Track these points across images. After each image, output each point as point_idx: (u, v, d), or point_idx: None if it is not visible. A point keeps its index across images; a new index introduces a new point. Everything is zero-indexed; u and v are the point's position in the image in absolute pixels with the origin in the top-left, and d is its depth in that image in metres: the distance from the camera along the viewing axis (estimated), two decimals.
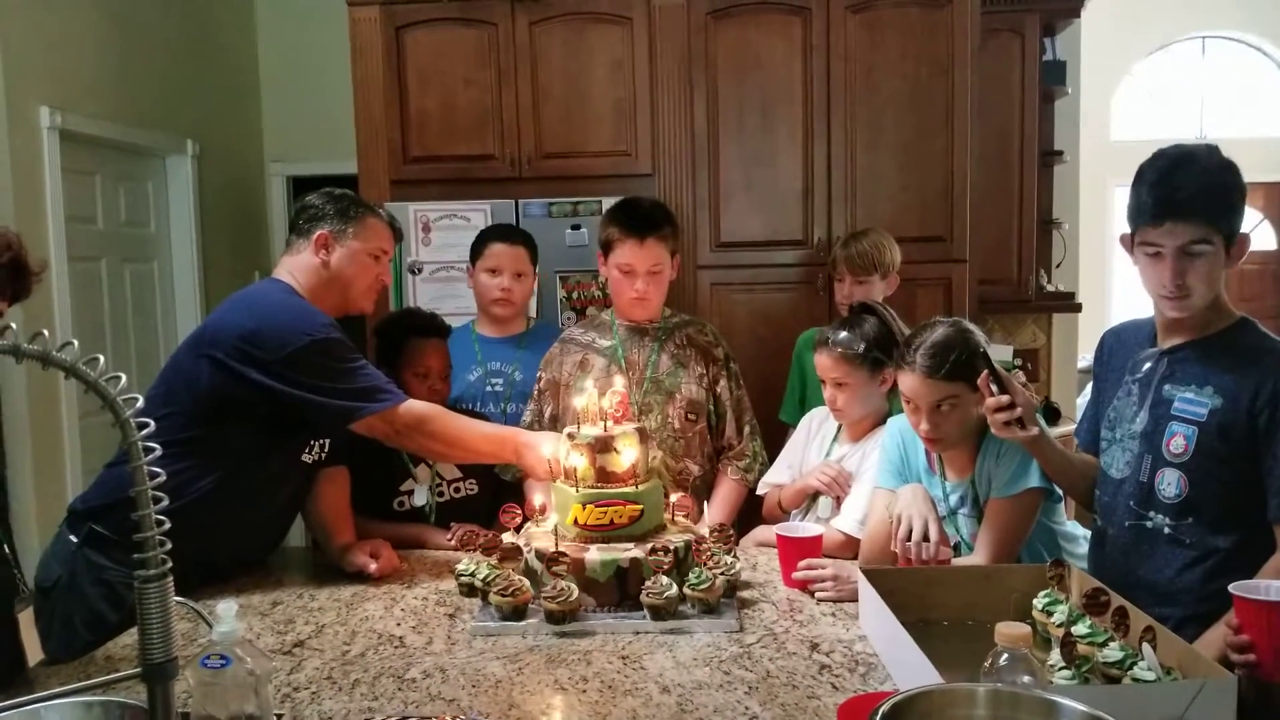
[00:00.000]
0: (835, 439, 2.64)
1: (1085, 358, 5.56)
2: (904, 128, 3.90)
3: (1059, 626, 1.76)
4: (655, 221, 2.70)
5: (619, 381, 2.38)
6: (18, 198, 3.87)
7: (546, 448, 2.23)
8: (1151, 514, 1.90)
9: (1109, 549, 2.01)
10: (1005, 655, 1.39)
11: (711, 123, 3.93)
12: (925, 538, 2.10)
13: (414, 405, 2.32)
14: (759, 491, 2.76)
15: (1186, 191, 1.80)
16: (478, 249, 3.13)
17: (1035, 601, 1.88)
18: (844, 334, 2.49)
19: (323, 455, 2.41)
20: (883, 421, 2.52)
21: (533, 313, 3.43)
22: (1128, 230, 1.91)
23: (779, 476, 2.71)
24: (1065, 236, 5.12)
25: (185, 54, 5.11)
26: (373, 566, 2.31)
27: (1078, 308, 5.09)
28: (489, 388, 3.06)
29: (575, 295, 3.86)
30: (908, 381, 2.17)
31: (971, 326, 2.24)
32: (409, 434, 2.31)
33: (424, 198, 3.94)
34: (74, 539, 2.20)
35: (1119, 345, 2.09)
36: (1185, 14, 8.02)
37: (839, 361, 2.48)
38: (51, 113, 4.05)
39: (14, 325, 1.13)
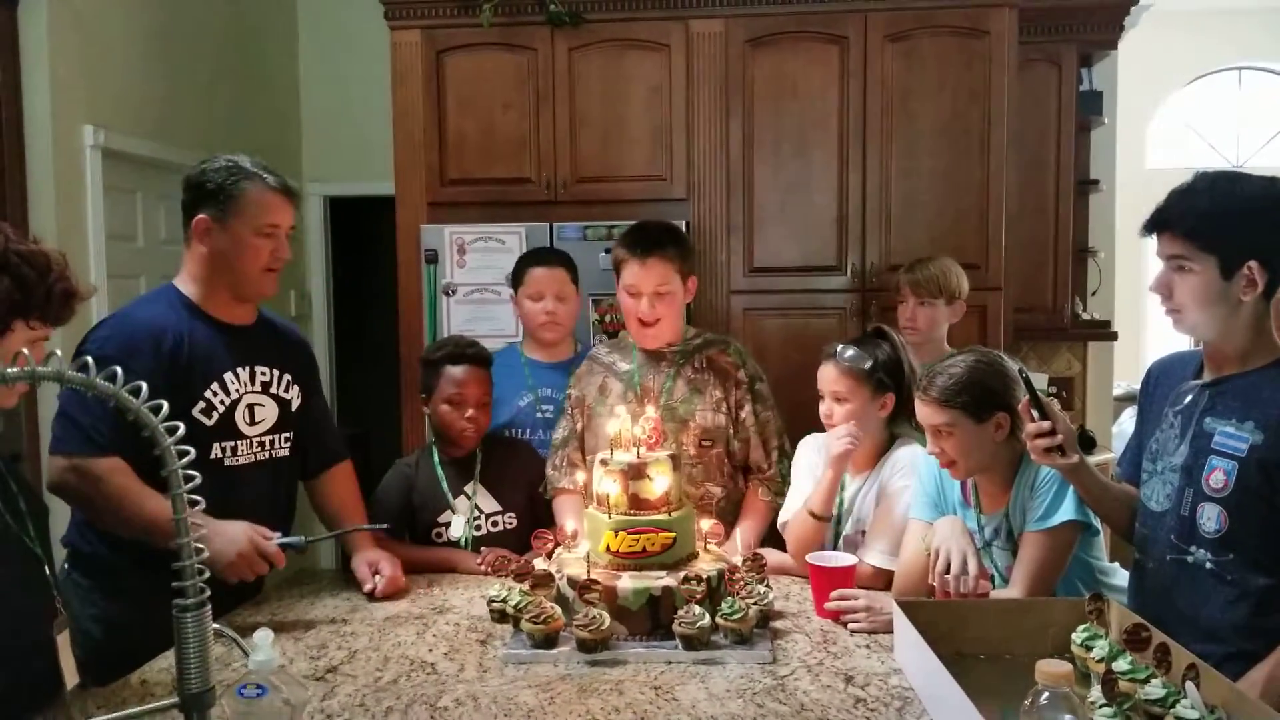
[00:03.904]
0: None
1: (1120, 385, 5.50)
2: (940, 156, 3.89)
3: (1099, 662, 1.73)
4: (659, 240, 2.63)
5: (651, 409, 2.35)
6: (60, 215, 3.92)
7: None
8: (1192, 549, 1.86)
9: (1149, 583, 1.97)
10: (1046, 694, 1.37)
11: (747, 148, 3.94)
12: (964, 570, 2.08)
13: (104, 462, 2.06)
14: (779, 526, 2.64)
15: (1178, 209, 1.82)
16: (519, 275, 3.11)
17: (1074, 636, 1.85)
18: (852, 350, 2.47)
19: (275, 451, 2.30)
20: (884, 453, 2.51)
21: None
22: None
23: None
24: (1101, 265, 5.07)
25: (227, 74, 5.17)
26: (369, 585, 2.30)
27: (1113, 336, 5.05)
28: (539, 414, 3.00)
29: (608, 319, 3.86)
30: (917, 404, 2.23)
31: (1002, 357, 2.22)
32: (80, 485, 2.07)
33: (460, 220, 3.96)
34: (65, 566, 2.21)
35: (1165, 377, 2.06)
36: (1221, 46, 7.96)
37: (843, 376, 2.45)
38: (95, 131, 4.09)
39: (59, 352, 1.14)
